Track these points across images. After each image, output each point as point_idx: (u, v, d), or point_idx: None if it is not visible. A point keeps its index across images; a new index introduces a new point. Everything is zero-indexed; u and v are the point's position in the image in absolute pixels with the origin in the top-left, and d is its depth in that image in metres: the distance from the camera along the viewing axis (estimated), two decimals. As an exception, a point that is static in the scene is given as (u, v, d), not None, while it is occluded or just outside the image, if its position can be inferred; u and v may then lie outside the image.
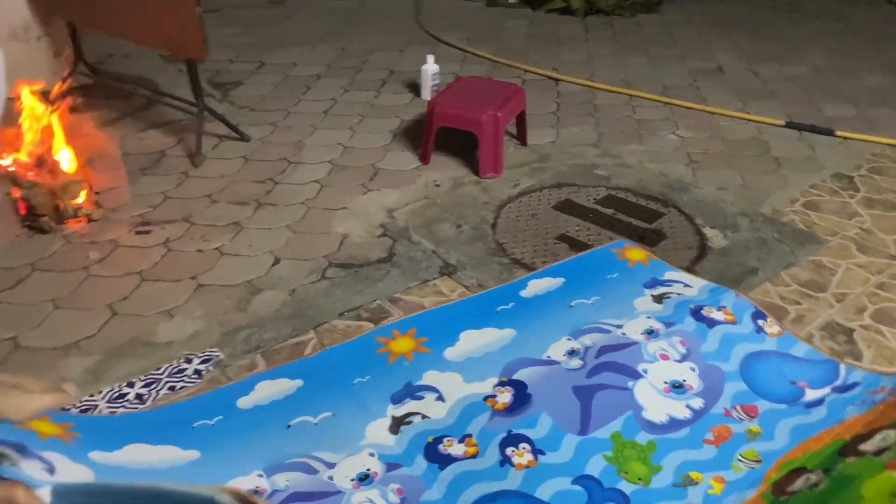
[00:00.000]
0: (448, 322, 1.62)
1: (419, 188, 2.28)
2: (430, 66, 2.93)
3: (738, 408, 1.39)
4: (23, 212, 1.95)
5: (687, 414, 1.37)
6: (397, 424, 1.34)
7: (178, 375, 1.48)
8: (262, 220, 2.10)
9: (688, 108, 2.93)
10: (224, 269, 1.86)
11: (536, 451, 1.26)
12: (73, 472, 1.07)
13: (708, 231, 2.05)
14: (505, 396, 1.40)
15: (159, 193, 2.21)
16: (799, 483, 1.14)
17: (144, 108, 2.80)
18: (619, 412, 1.35)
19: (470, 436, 1.31)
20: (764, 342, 1.55)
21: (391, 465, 1.25)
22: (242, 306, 1.71)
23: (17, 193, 1.94)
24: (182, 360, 1.52)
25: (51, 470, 1.03)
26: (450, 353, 1.53)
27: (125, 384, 1.45)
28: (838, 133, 2.66)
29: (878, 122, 2.80)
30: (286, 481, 1.19)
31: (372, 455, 1.27)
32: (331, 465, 1.24)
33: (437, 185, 2.30)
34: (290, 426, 1.33)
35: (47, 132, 2.05)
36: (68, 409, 1.35)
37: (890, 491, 0.99)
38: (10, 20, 2.54)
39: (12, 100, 2.00)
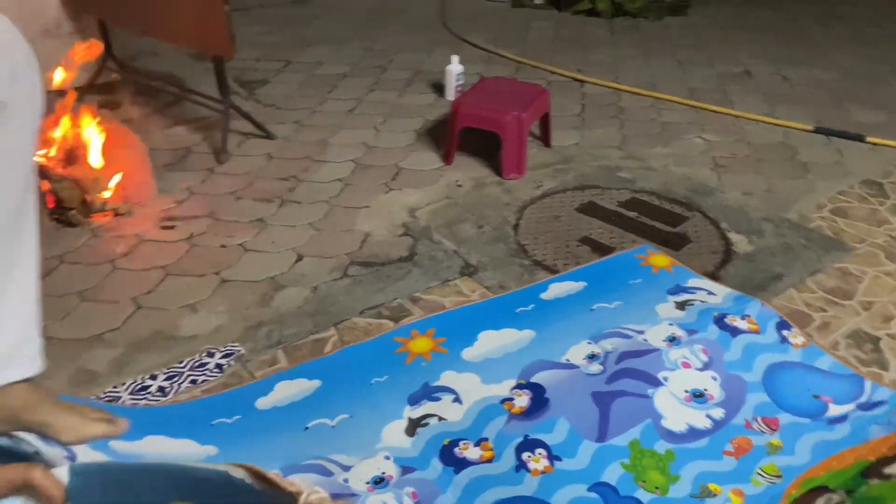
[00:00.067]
0: (467, 322, 1.62)
1: (441, 188, 2.28)
2: (455, 67, 2.93)
3: (759, 419, 1.37)
4: (51, 205, 1.99)
5: (707, 424, 1.35)
6: (413, 426, 1.34)
7: (200, 369, 1.49)
8: (285, 217, 2.11)
9: (714, 111, 2.89)
10: (247, 265, 1.88)
11: (553, 457, 1.26)
12: (93, 458, 1.09)
13: (733, 236, 2.02)
14: (522, 400, 1.39)
15: (185, 189, 2.24)
16: (820, 503, 1.11)
17: (172, 104, 2.84)
18: (638, 420, 1.33)
19: (486, 439, 1.30)
20: (788, 353, 1.52)
21: (406, 469, 1.25)
22: (265, 302, 1.73)
23: (46, 187, 1.97)
24: (204, 354, 1.54)
25: (72, 457, 1.05)
26: (468, 353, 1.52)
27: (148, 377, 1.47)
28: (868, 139, 2.61)
29: (911, 128, 2.75)
30: (302, 482, 1.20)
31: (387, 458, 1.27)
32: (346, 468, 1.24)
33: (460, 186, 2.30)
34: (307, 428, 1.34)
35: (77, 127, 2.09)
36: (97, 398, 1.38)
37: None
38: (43, 16, 2.59)
39: (52, 93, 2.04)
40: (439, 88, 3.04)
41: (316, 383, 1.44)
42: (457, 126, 2.37)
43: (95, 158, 2.07)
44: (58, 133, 2.06)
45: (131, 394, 1.42)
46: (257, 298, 1.74)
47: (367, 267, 1.87)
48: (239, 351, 1.55)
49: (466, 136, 2.39)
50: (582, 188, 2.29)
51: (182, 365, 1.51)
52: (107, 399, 1.40)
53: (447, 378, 1.45)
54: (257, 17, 4.03)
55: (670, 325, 1.59)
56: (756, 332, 1.56)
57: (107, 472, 0.98)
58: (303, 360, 1.53)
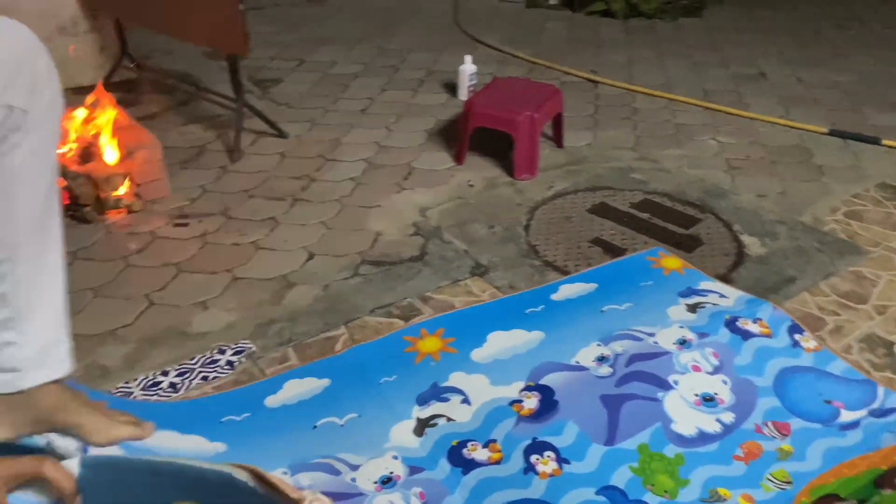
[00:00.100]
0: (476, 323, 1.62)
1: (453, 188, 2.28)
2: (468, 67, 2.93)
3: (769, 424, 1.36)
4: (66, 202, 2.01)
5: (717, 428, 1.34)
6: (422, 426, 1.34)
7: (211, 366, 1.50)
8: (297, 215, 2.12)
9: (728, 113, 2.87)
10: (259, 263, 1.89)
11: (561, 460, 1.25)
12: (104, 451, 1.10)
13: (746, 238, 2.01)
14: (531, 402, 1.39)
15: (198, 187, 2.25)
16: None
17: (186, 103, 2.86)
18: (648, 423, 1.33)
19: (494, 441, 1.30)
20: (800, 357, 1.51)
21: (414, 469, 1.25)
22: (276, 300, 1.74)
23: (61, 184, 1.99)
24: (215, 351, 1.55)
25: (84, 448, 1.06)
26: (477, 354, 1.52)
27: (159, 373, 1.48)
28: (884, 142, 2.59)
29: (929, 132, 2.72)
30: (309, 481, 1.20)
31: (395, 458, 1.27)
32: (354, 467, 1.24)
33: (471, 186, 2.30)
34: (316, 427, 1.34)
35: (92, 124, 2.10)
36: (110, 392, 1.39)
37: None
38: (60, 14, 2.61)
39: (68, 90, 2.06)
40: (452, 88, 3.04)
41: (325, 382, 1.44)
42: (469, 126, 2.37)
43: (110, 156, 2.08)
44: (73, 131, 2.08)
45: (143, 389, 1.43)
46: (269, 296, 1.75)
47: (378, 266, 1.88)
48: (250, 348, 1.56)
49: (478, 136, 2.39)
50: (594, 189, 2.28)
51: (193, 361, 1.52)
52: (119, 395, 1.41)
53: (456, 379, 1.45)
54: (271, 16, 4.05)
55: (681, 327, 1.58)
56: (768, 335, 1.55)
57: (116, 465, 0.99)
58: (313, 358, 1.53)
